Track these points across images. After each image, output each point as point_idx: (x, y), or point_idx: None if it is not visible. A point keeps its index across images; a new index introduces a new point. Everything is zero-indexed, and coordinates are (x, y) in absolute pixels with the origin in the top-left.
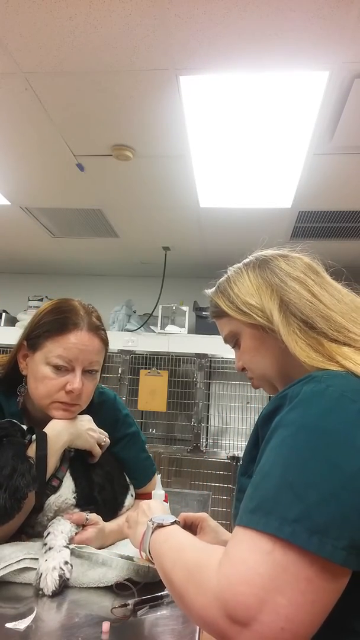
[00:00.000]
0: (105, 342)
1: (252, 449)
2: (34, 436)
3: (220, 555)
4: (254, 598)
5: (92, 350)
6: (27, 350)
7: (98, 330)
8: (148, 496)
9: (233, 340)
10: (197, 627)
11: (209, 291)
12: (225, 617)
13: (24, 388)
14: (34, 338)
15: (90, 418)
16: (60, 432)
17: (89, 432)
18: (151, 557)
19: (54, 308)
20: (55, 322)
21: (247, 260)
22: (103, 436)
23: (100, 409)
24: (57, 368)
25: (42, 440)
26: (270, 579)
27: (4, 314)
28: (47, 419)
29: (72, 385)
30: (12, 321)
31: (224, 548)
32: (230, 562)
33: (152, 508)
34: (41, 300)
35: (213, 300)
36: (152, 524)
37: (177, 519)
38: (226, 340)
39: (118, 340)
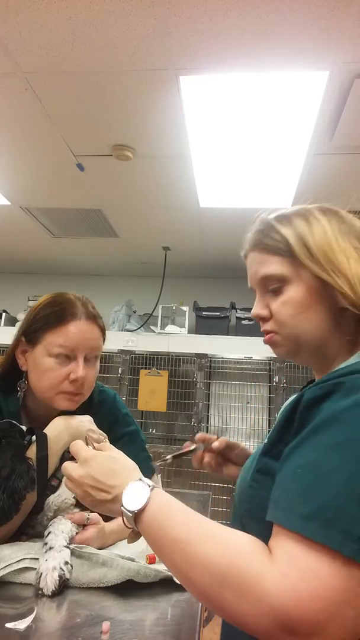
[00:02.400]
0: (103, 330)
1: (281, 429)
2: (33, 437)
3: (254, 553)
4: (325, 614)
5: (91, 337)
6: (25, 345)
7: (96, 318)
8: None
9: (276, 284)
10: (198, 628)
11: (270, 217)
12: (281, 629)
13: (24, 383)
14: (32, 332)
15: (91, 419)
16: (61, 432)
17: (89, 433)
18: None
19: (50, 301)
20: (53, 314)
21: (320, 206)
22: (103, 437)
23: (100, 407)
24: (60, 358)
25: (43, 441)
26: (343, 593)
27: (4, 314)
28: (48, 414)
29: (76, 373)
30: (12, 321)
31: (251, 541)
32: (302, 575)
33: (112, 475)
34: None
35: (277, 230)
36: (131, 513)
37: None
38: (262, 280)
39: (118, 340)
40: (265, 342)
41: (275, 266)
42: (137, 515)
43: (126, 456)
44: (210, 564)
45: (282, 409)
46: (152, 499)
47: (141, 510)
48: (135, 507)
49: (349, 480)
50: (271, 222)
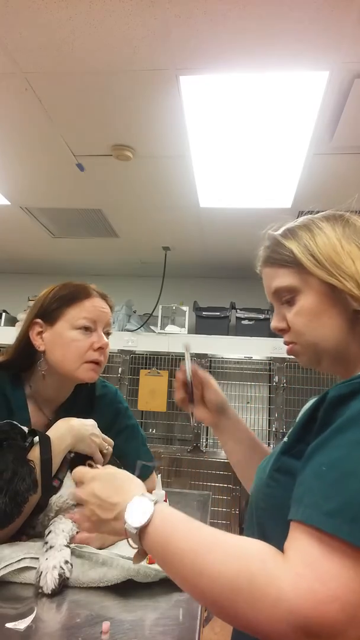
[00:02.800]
0: (112, 309)
1: (302, 428)
2: (35, 439)
3: (266, 556)
4: (344, 616)
5: (107, 312)
6: (42, 326)
7: (106, 297)
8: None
9: (288, 295)
10: (197, 628)
11: (276, 232)
12: (299, 633)
13: (44, 363)
14: (51, 311)
15: (95, 423)
16: (64, 434)
17: (92, 437)
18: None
19: (64, 285)
20: (71, 293)
21: (325, 213)
22: (106, 444)
23: (103, 400)
24: (84, 329)
25: (46, 443)
26: None
27: (4, 314)
28: (58, 396)
29: (100, 342)
30: (12, 321)
31: (261, 545)
32: (318, 576)
33: (122, 487)
34: None
35: (282, 244)
36: (135, 530)
37: (155, 500)
38: (276, 294)
39: (118, 340)
40: (288, 353)
41: (284, 278)
42: (141, 532)
43: (128, 473)
44: (220, 572)
45: (303, 409)
46: (155, 513)
47: (145, 526)
48: (138, 523)
49: None
50: (276, 238)
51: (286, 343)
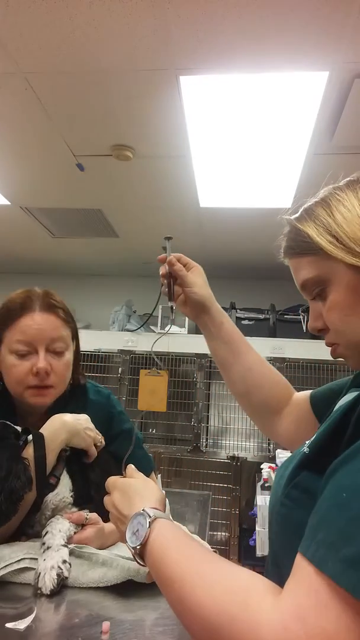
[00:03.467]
0: (64, 319)
1: (328, 438)
2: (29, 437)
3: (252, 597)
4: None
5: (49, 328)
6: None
7: (53, 308)
8: None
9: (317, 288)
10: None
11: (291, 217)
12: None
13: (1, 384)
14: None
15: (88, 418)
16: (58, 430)
17: (86, 431)
18: (142, 560)
19: (8, 301)
20: (9, 311)
21: (350, 178)
22: (99, 437)
23: (95, 405)
24: (20, 353)
25: (39, 441)
26: None
27: None
28: (34, 411)
29: (36, 365)
30: None
31: (250, 581)
32: (307, 634)
33: (141, 496)
34: None
35: (298, 229)
36: (134, 550)
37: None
38: (304, 287)
39: (118, 340)
40: (332, 355)
41: (307, 269)
42: (142, 552)
43: (145, 481)
44: (201, 609)
45: (338, 406)
46: (151, 534)
47: (142, 547)
48: (135, 543)
49: None
50: (292, 223)
51: (329, 345)
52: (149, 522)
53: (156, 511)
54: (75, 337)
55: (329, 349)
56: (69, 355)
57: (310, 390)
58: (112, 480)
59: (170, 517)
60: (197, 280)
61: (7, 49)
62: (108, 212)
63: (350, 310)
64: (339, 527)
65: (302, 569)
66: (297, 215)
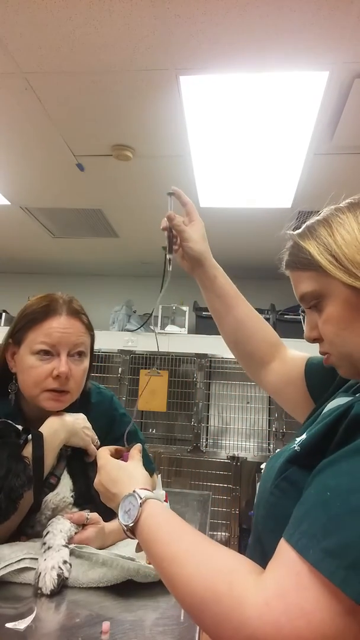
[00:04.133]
0: (87, 326)
1: (319, 440)
2: (29, 436)
3: (237, 576)
4: None
5: (73, 332)
6: (13, 347)
7: (78, 314)
8: None
9: (314, 300)
10: (198, 628)
11: (293, 232)
12: None
13: (15, 385)
14: (17, 332)
15: (85, 417)
16: (57, 430)
17: (84, 430)
18: (133, 533)
19: (34, 302)
20: (35, 312)
21: (351, 200)
22: (95, 436)
23: (97, 408)
24: (42, 355)
25: (39, 440)
26: None
27: (4, 314)
28: (43, 416)
29: (58, 369)
30: (12, 321)
31: (235, 561)
32: (287, 611)
33: (134, 477)
34: None
35: (300, 246)
36: (126, 527)
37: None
38: (302, 298)
39: (118, 340)
40: (324, 363)
41: (307, 283)
42: (133, 529)
43: (136, 466)
44: (190, 586)
45: (327, 410)
46: (142, 512)
47: (134, 525)
48: (127, 521)
49: None
50: (294, 239)
51: (322, 353)
52: (140, 502)
53: (147, 492)
54: (92, 346)
55: None
56: (86, 363)
57: (308, 357)
58: (104, 461)
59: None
60: (194, 236)
61: (7, 49)
62: (108, 212)
63: (344, 324)
64: (321, 522)
65: (285, 553)
66: (299, 231)
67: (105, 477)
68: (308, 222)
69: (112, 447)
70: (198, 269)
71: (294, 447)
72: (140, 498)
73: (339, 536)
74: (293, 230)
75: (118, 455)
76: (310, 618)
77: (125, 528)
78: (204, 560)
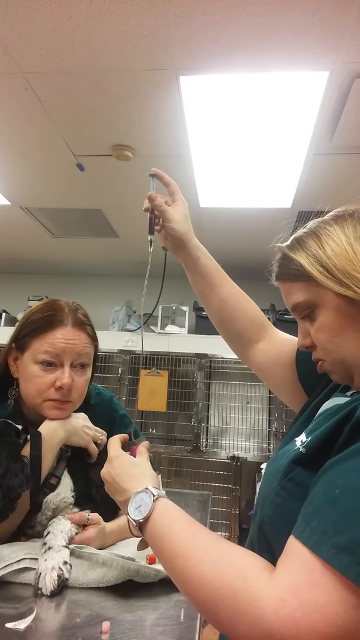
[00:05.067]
0: (92, 337)
1: (323, 441)
2: (28, 436)
3: (252, 572)
4: None
5: (78, 344)
6: (16, 352)
7: (83, 325)
8: None
9: (306, 310)
10: (197, 628)
11: (283, 245)
12: None
13: (15, 390)
14: (21, 339)
15: (86, 416)
16: (56, 429)
17: (84, 430)
18: (140, 531)
19: (39, 309)
20: (40, 321)
21: (336, 212)
22: (99, 434)
23: (97, 409)
24: (45, 365)
25: (37, 440)
26: (347, 634)
27: (4, 314)
28: (43, 419)
29: (61, 380)
30: (12, 321)
31: (250, 558)
32: (302, 605)
33: (143, 474)
34: (41, 300)
35: (290, 258)
36: (135, 522)
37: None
38: (294, 309)
39: (118, 340)
40: (318, 370)
41: (298, 294)
42: (142, 525)
43: (147, 464)
44: (205, 581)
45: (324, 409)
46: (155, 509)
47: (145, 520)
48: (138, 517)
49: None
50: (284, 251)
51: (315, 360)
52: (153, 499)
53: (159, 491)
54: (95, 355)
55: None
56: (89, 373)
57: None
58: (117, 453)
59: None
60: (176, 216)
61: (7, 49)
62: (108, 212)
63: (336, 332)
64: (331, 519)
65: (296, 549)
66: (288, 243)
67: (118, 470)
68: (296, 235)
69: (121, 437)
70: (181, 250)
71: (299, 448)
72: (154, 495)
73: (350, 532)
74: (281, 242)
75: (124, 444)
76: (325, 611)
77: (135, 523)
78: (220, 556)
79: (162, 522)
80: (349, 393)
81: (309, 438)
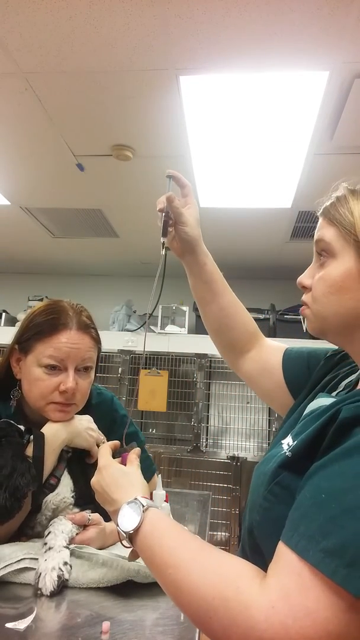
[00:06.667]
0: (96, 340)
1: (309, 445)
2: (31, 436)
3: (242, 580)
4: None
5: (82, 348)
6: (19, 354)
7: (88, 328)
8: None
9: (321, 250)
10: (197, 628)
11: (349, 187)
12: None
13: (18, 392)
14: (24, 341)
15: (90, 418)
16: (59, 431)
17: (88, 432)
18: (129, 542)
19: (43, 310)
20: (44, 323)
21: None
22: (102, 437)
23: (98, 409)
24: (49, 368)
25: (39, 440)
26: (338, 638)
27: (4, 314)
28: (45, 421)
29: (65, 385)
30: (12, 321)
31: (240, 567)
32: (292, 612)
33: (132, 484)
34: (41, 300)
35: (346, 201)
36: (125, 534)
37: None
38: (317, 243)
39: (118, 340)
40: (300, 312)
41: (328, 234)
42: (132, 537)
43: (137, 473)
44: (197, 592)
45: (309, 410)
46: (144, 520)
47: (135, 532)
48: (128, 528)
49: None
50: (345, 194)
51: (301, 301)
52: (143, 510)
53: (148, 501)
54: (98, 358)
55: (328, 348)
56: (92, 375)
57: (286, 347)
58: (106, 462)
59: (159, 507)
60: (190, 220)
61: (7, 49)
62: (108, 212)
63: (336, 290)
64: (318, 523)
65: (285, 555)
66: (352, 188)
67: (107, 480)
68: None
69: (112, 444)
70: (189, 254)
71: (285, 452)
72: (143, 506)
73: (337, 536)
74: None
75: (115, 451)
76: (315, 617)
77: (125, 535)
78: (211, 566)
79: (152, 533)
80: (334, 393)
81: (295, 441)
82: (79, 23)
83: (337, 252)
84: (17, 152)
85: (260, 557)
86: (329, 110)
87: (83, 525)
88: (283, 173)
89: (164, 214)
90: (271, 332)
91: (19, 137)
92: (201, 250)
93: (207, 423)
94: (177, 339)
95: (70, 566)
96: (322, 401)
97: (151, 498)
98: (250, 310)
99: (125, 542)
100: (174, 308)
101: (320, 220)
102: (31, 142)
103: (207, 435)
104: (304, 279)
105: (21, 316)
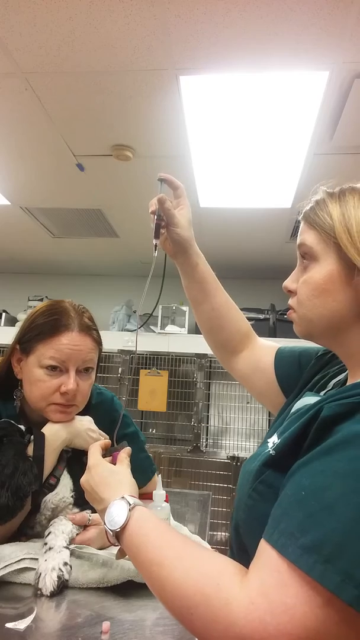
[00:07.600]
0: (97, 341)
1: (292, 443)
2: (32, 436)
3: (223, 578)
4: None
5: (84, 350)
6: (20, 354)
7: (89, 330)
8: (148, 496)
9: (304, 253)
10: None
11: (327, 190)
12: None
13: (20, 392)
14: (26, 342)
15: (91, 419)
16: (59, 431)
17: (88, 432)
18: (116, 539)
19: (45, 311)
20: (46, 324)
21: None
22: (102, 437)
23: (98, 409)
24: (50, 370)
25: (40, 440)
26: (316, 634)
27: (4, 314)
28: (45, 421)
29: (66, 386)
30: (12, 321)
31: (222, 564)
32: (271, 608)
33: (121, 482)
34: (41, 300)
35: (325, 204)
36: (112, 532)
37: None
38: (299, 247)
39: (118, 340)
40: (287, 315)
41: (309, 238)
42: (119, 535)
43: (126, 472)
44: (179, 589)
45: (295, 409)
46: (131, 519)
47: (121, 530)
48: (115, 526)
49: (356, 513)
50: (323, 197)
51: (288, 305)
52: (129, 508)
53: (135, 499)
54: (99, 358)
55: (320, 347)
56: (93, 376)
57: (278, 347)
58: (95, 461)
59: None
60: (182, 221)
61: (7, 49)
62: (108, 212)
63: (319, 292)
64: (298, 520)
65: (266, 552)
66: (331, 191)
67: (96, 479)
68: (343, 186)
69: (103, 443)
70: (182, 255)
71: (269, 451)
72: (130, 504)
73: (315, 532)
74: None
75: (106, 450)
76: (293, 612)
77: (112, 533)
78: (194, 563)
79: (138, 531)
80: (322, 392)
81: (279, 440)
82: (79, 23)
83: (318, 256)
84: (17, 152)
85: (246, 555)
86: (329, 110)
87: (83, 526)
88: (283, 173)
89: (155, 216)
90: (271, 332)
91: (19, 137)
92: (193, 251)
93: (207, 423)
94: (177, 339)
95: (71, 567)
96: (308, 400)
97: (151, 498)
98: (250, 310)
99: (112, 540)
100: (174, 308)
101: (302, 224)
102: (31, 142)
103: (207, 435)
104: (289, 283)
105: (21, 316)
